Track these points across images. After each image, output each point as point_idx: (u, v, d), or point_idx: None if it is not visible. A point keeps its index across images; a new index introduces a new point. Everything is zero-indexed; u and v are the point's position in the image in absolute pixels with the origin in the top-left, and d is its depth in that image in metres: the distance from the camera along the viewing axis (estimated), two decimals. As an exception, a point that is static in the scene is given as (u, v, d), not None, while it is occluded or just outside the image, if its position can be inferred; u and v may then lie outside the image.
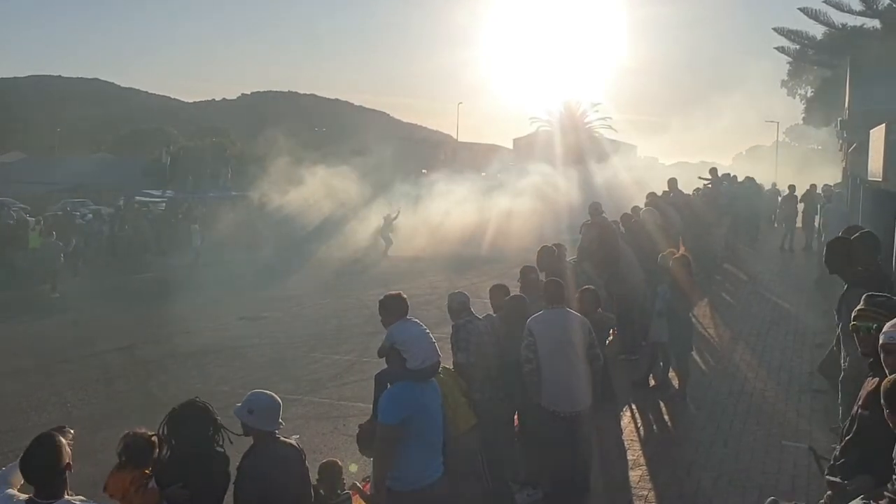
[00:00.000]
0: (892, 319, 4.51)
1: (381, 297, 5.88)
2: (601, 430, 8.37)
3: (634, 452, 8.61)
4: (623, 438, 9.00)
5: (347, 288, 21.83)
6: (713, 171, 24.18)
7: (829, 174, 41.52)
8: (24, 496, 3.87)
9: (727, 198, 23.09)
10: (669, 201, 17.85)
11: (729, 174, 26.88)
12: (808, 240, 25.65)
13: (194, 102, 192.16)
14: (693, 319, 13.37)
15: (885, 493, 3.59)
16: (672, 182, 19.46)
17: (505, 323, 7.59)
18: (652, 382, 10.88)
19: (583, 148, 55.74)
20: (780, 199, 29.92)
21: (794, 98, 74.21)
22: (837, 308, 7.11)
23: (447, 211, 33.40)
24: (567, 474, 7.16)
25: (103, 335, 16.22)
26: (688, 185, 22.25)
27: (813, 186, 26.87)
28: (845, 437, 4.56)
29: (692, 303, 12.24)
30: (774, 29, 52.81)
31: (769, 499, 3.85)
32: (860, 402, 4.51)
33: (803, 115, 54.45)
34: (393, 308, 5.78)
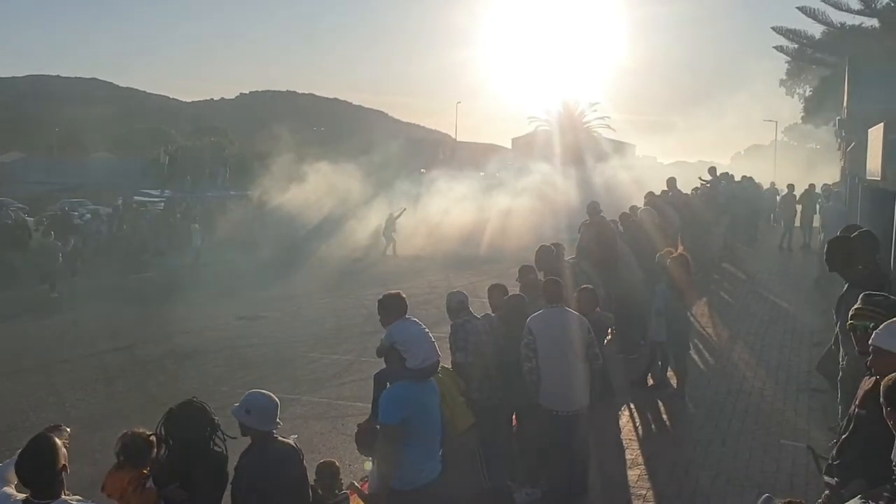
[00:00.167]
0: (888, 318, 4.51)
1: (381, 297, 5.87)
2: (599, 430, 8.37)
3: (633, 451, 8.61)
4: (621, 437, 9.00)
5: (346, 287, 21.83)
6: (712, 170, 24.18)
7: (827, 173, 41.52)
8: (20, 496, 3.86)
9: (725, 197, 23.08)
10: (668, 201, 17.85)
11: (727, 173, 26.82)
12: (807, 239, 25.65)
13: (192, 102, 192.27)
14: (691, 318, 13.39)
15: (884, 492, 3.59)
16: (671, 181, 19.46)
17: (504, 322, 7.59)
18: (650, 381, 10.87)
19: (581, 147, 55.75)
20: (778, 198, 29.92)
21: (793, 97, 74.17)
22: (837, 307, 7.10)
23: (446, 210, 33.40)
24: (565, 473, 7.16)
25: (102, 335, 16.22)
26: (687, 185, 22.24)
27: (811, 186, 26.88)
28: (842, 436, 4.56)
29: (689, 302, 12.25)
30: (773, 28, 52.86)
31: (764, 496, 3.84)
32: (857, 402, 4.51)
33: (802, 114, 54.49)
34: (392, 307, 5.78)
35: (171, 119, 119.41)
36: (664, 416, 9.81)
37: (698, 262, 15.12)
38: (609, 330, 11.75)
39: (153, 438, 4.82)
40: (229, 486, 4.78)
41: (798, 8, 48.77)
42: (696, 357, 12.03)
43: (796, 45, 53.57)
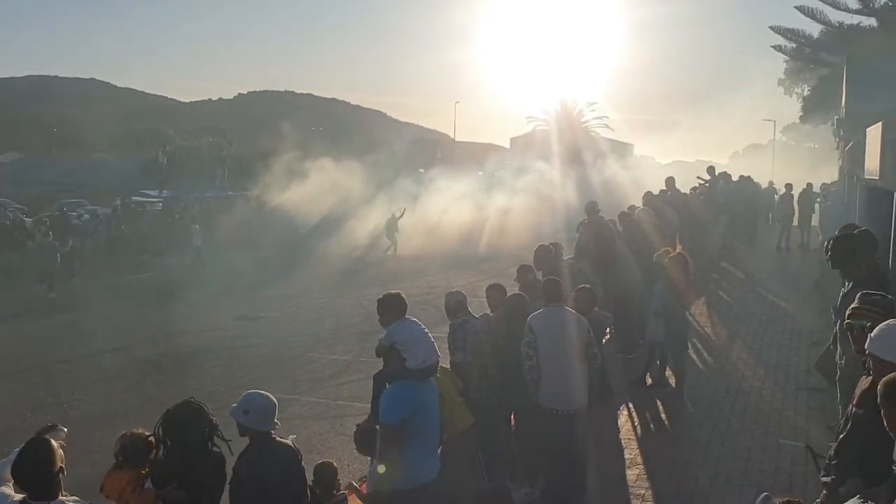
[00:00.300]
0: (885, 318, 4.51)
1: (380, 296, 5.87)
2: (598, 429, 8.36)
3: (632, 451, 8.61)
4: (620, 437, 8.99)
5: (345, 287, 21.82)
6: (710, 169, 24.20)
7: (826, 172, 41.56)
8: (18, 496, 3.86)
9: (724, 196, 23.10)
10: (666, 200, 17.85)
11: (726, 173, 26.83)
12: (805, 238, 25.66)
13: (191, 102, 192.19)
14: (690, 318, 13.39)
15: (883, 492, 3.58)
16: (670, 181, 19.47)
17: (506, 321, 7.57)
18: (649, 381, 10.88)
19: (579, 147, 55.76)
20: (776, 197, 29.94)
21: (791, 96, 74.16)
22: (838, 306, 7.09)
23: (445, 210, 33.41)
24: (564, 473, 7.15)
25: (100, 336, 16.20)
26: (685, 185, 22.25)
27: (809, 185, 26.89)
28: (840, 435, 4.56)
29: (688, 302, 12.25)
30: (771, 27, 52.70)
31: (762, 495, 3.84)
32: (855, 401, 4.51)
33: (800, 113, 54.42)
34: (392, 307, 5.77)
35: (169, 119, 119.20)
36: (663, 416, 9.81)
37: (697, 261, 15.12)
38: (608, 330, 11.76)
39: (152, 439, 4.82)
40: (227, 487, 4.78)
41: (796, 7, 48.74)
42: (694, 356, 12.04)
43: (794, 45, 53.48)
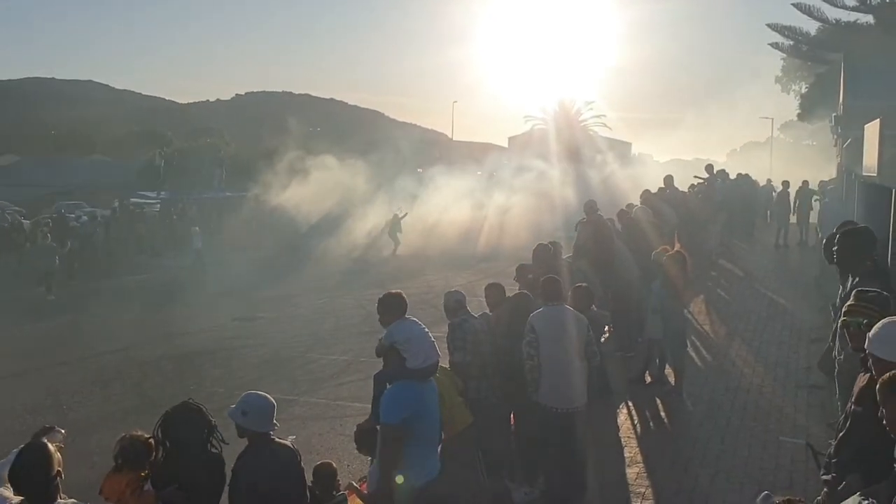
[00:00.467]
0: (882, 315, 4.50)
1: (381, 296, 5.86)
2: (598, 427, 8.36)
3: (631, 449, 8.60)
4: (620, 435, 8.99)
5: (344, 287, 21.83)
6: (709, 167, 24.20)
7: (823, 170, 41.55)
8: (17, 499, 3.84)
9: (721, 195, 23.10)
10: (665, 198, 17.86)
11: (724, 170, 26.83)
12: (803, 236, 25.65)
13: (188, 103, 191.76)
14: (689, 316, 13.39)
15: (884, 489, 3.58)
16: (668, 179, 19.48)
17: (508, 320, 7.55)
18: (648, 379, 10.87)
19: (578, 146, 55.81)
20: (774, 195, 29.92)
21: (789, 94, 74.28)
22: (841, 302, 7.07)
23: (443, 210, 33.41)
24: (564, 471, 7.15)
25: (99, 337, 16.20)
26: (683, 183, 22.25)
27: (805, 183, 26.83)
28: (839, 433, 4.56)
29: (686, 300, 12.24)
30: (768, 25, 52.72)
31: (763, 493, 3.83)
32: (853, 399, 4.50)
33: (798, 110, 54.39)
34: (392, 307, 5.76)
35: (167, 121, 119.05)
36: (662, 414, 9.81)
37: (695, 259, 15.12)
38: (606, 328, 11.76)
39: (151, 441, 4.80)
40: (227, 488, 4.77)
41: (793, 4, 48.78)
42: (693, 354, 12.02)
43: (792, 42, 53.50)
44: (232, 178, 46.34)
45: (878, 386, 3.72)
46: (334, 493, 6.04)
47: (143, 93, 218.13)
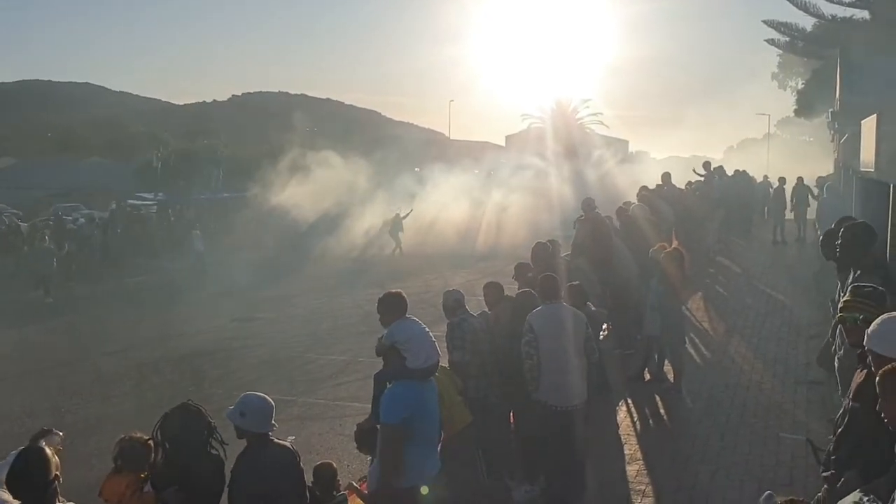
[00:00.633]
0: (878, 310, 4.49)
1: (381, 295, 5.85)
2: (598, 425, 8.36)
3: (631, 447, 8.59)
4: (619, 433, 8.99)
5: (342, 287, 21.82)
6: (706, 164, 24.20)
7: (820, 165, 41.56)
8: (16, 501, 3.83)
9: (719, 191, 23.10)
10: (662, 195, 17.86)
11: (721, 167, 26.82)
12: (801, 232, 25.65)
13: (185, 105, 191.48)
14: (687, 313, 13.39)
15: (884, 484, 3.57)
16: (665, 176, 19.48)
17: (512, 319, 7.53)
18: (647, 376, 10.87)
19: (575, 144, 55.82)
20: (771, 191, 29.93)
21: (785, 90, 74.40)
22: (839, 298, 7.06)
23: (441, 209, 33.41)
24: (564, 470, 7.15)
25: (97, 339, 16.19)
26: (680, 180, 22.25)
27: (800, 179, 26.81)
28: (838, 430, 4.55)
29: (684, 297, 12.23)
30: (764, 21, 52.67)
31: (766, 493, 3.82)
32: (851, 395, 4.50)
33: (794, 106, 54.36)
34: (393, 306, 5.75)
35: (163, 122, 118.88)
36: (662, 411, 9.80)
37: (693, 256, 15.11)
38: (605, 326, 11.76)
39: (150, 442, 4.80)
40: (226, 489, 4.76)
41: (789, 0, 48.76)
42: (692, 351, 12.03)
43: (788, 39, 53.48)
44: (229, 178, 46.22)
45: (877, 380, 3.71)
46: (334, 493, 6.03)
47: (141, 94, 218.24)
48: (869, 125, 15.72)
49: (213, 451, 4.74)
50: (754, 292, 17.14)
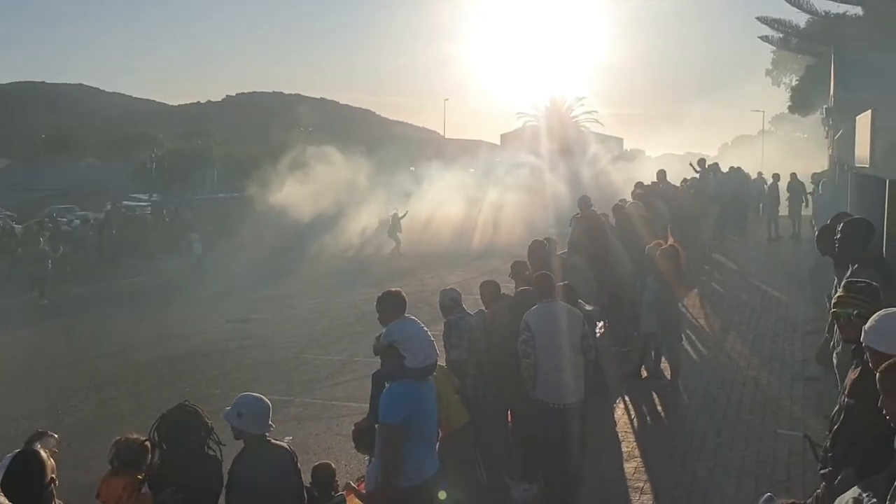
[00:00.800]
0: (872, 305, 4.49)
1: (380, 294, 5.84)
2: (595, 423, 8.35)
3: (629, 444, 8.60)
4: (617, 430, 8.99)
5: (338, 288, 21.80)
6: (701, 161, 24.22)
7: (815, 162, 41.64)
8: (12, 504, 3.81)
9: (714, 188, 23.11)
10: (658, 193, 17.87)
11: (716, 164, 26.84)
12: (796, 228, 25.68)
13: (179, 105, 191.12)
14: (683, 310, 13.40)
15: (884, 480, 3.57)
16: (661, 174, 19.50)
17: (511, 318, 7.52)
18: (644, 374, 10.87)
19: (570, 142, 55.85)
20: (766, 187, 29.97)
21: (779, 87, 74.48)
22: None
23: (437, 208, 33.40)
24: (562, 467, 7.15)
25: (93, 341, 16.16)
26: (675, 177, 22.27)
27: (793, 175, 26.84)
28: (834, 426, 4.55)
29: (679, 294, 12.24)
30: (758, 18, 52.83)
31: (766, 495, 3.82)
32: (846, 392, 4.49)
33: (788, 103, 54.46)
34: (392, 305, 5.74)
35: (158, 123, 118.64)
36: (659, 408, 9.81)
37: (689, 253, 15.11)
38: (601, 324, 11.76)
39: (147, 444, 4.78)
40: (224, 490, 4.75)
41: (782, -4, 48.83)
42: (689, 348, 12.03)
43: (781, 35, 53.62)
44: (224, 179, 46.17)
45: (878, 376, 3.70)
46: (333, 493, 6.02)
47: (134, 95, 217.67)
48: (863, 121, 15.75)
49: (211, 452, 4.73)
50: (750, 289, 17.16)
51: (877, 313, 4.21)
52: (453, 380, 6.84)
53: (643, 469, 7.91)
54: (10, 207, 43.31)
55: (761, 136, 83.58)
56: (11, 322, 18.66)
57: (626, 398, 10.03)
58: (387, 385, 5.56)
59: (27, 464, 3.79)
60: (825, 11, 48.82)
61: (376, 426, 5.51)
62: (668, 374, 10.55)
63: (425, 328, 5.66)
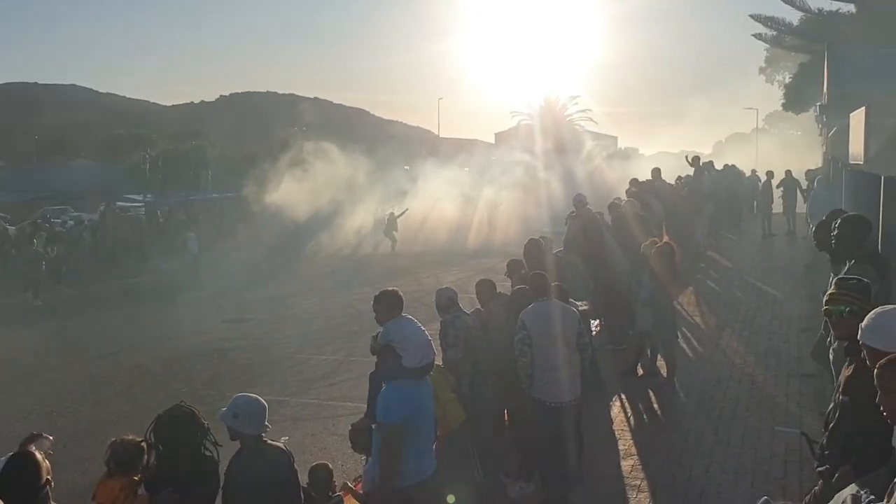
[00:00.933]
0: (864, 302, 4.49)
1: (377, 294, 5.82)
2: (592, 421, 8.35)
3: (625, 442, 8.59)
4: (613, 428, 8.99)
5: (334, 287, 21.78)
6: (696, 159, 24.23)
7: (809, 159, 41.71)
8: (9, 507, 3.79)
9: (708, 186, 23.14)
10: (653, 191, 17.87)
11: (710, 162, 26.88)
12: (791, 225, 25.71)
13: (173, 106, 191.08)
14: (678, 307, 13.40)
15: (882, 476, 3.56)
16: (655, 172, 19.51)
17: (508, 316, 7.51)
18: (640, 372, 10.87)
19: (564, 140, 55.87)
20: (760, 185, 30.01)
21: (773, 84, 74.62)
22: None
23: (432, 207, 33.40)
24: (559, 466, 7.14)
25: (88, 342, 16.11)
26: (670, 175, 22.29)
27: (788, 172, 26.88)
28: (829, 424, 4.55)
29: (675, 291, 12.24)
30: (751, 16, 52.83)
31: (762, 499, 3.81)
32: (840, 389, 4.49)
33: (782, 101, 54.51)
34: (389, 305, 5.73)
35: (152, 123, 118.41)
36: (655, 406, 9.80)
37: (684, 251, 15.12)
38: (596, 322, 11.76)
39: (143, 445, 4.76)
40: (221, 491, 4.73)
41: (775, -6, 48.94)
42: (685, 346, 12.04)
43: (775, 33, 53.63)
44: (218, 179, 46.13)
45: (875, 373, 3.70)
46: (330, 494, 6.00)
47: (128, 96, 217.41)
48: (857, 118, 15.77)
49: (207, 453, 4.71)
50: (745, 286, 17.16)
51: (873, 311, 4.20)
52: (449, 379, 6.83)
53: (640, 467, 7.90)
54: (3, 208, 43.15)
55: (755, 133, 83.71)
56: (5, 323, 18.59)
57: (623, 396, 10.03)
58: (384, 385, 5.55)
59: (22, 466, 3.76)
60: (818, 9, 48.87)
61: (374, 426, 5.50)
62: (664, 371, 10.55)
63: (422, 327, 5.65)
